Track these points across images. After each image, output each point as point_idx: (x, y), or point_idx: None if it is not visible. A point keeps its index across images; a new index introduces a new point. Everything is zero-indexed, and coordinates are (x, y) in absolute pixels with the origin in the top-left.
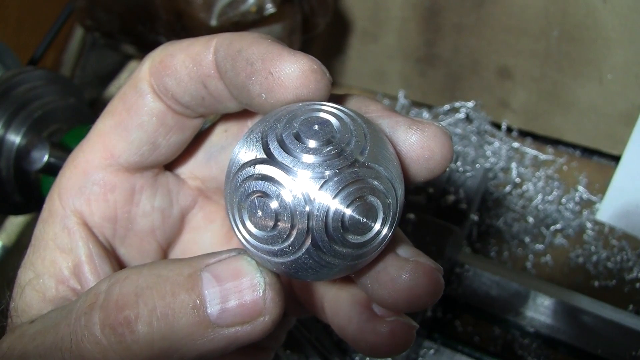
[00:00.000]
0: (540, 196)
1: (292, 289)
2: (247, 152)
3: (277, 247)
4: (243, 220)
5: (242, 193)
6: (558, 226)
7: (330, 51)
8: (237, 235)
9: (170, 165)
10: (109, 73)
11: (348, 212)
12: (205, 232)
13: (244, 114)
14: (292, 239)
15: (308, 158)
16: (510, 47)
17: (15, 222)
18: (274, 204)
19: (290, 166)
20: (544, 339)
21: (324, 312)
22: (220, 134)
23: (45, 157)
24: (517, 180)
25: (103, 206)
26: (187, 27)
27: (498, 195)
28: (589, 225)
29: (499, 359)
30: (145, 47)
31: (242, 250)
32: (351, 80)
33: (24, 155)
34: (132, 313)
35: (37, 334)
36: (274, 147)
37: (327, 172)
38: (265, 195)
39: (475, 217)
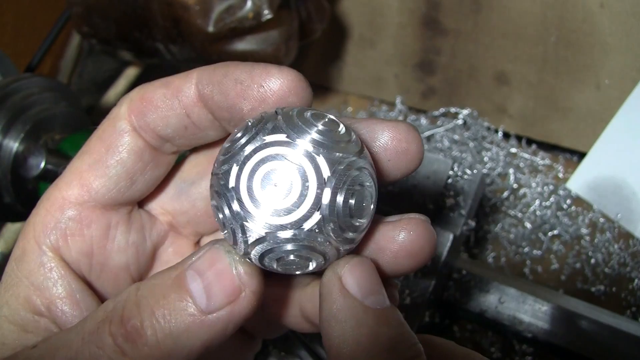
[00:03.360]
0: (537, 202)
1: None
2: (259, 131)
3: (289, 220)
4: (251, 192)
5: (257, 160)
6: (555, 232)
7: (328, 57)
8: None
9: (142, 202)
10: (106, 80)
11: (352, 200)
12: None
13: (214, 147)
14: (305, 212)
15: (322, 141)
16: (508, 52)
17: (12, 229)
18: (291, 178)
19: (300, 138)
20: (542, 344)
21: (304, 314)
22: (190, 169)
23: (42, 164)
24: (515, 186)
25: (80, 241)
26: (184, 33)
27: (495, 201)
28: (585, 231)
29: None
30: (142, 53)
31: (220, 240)
32: (348, 87)
33: (21, 162)
34: (137, 321)
35: (46, 354)
36: (292, 128)
37: (338, 156)
38: (282, 167)
39: (472, 223)
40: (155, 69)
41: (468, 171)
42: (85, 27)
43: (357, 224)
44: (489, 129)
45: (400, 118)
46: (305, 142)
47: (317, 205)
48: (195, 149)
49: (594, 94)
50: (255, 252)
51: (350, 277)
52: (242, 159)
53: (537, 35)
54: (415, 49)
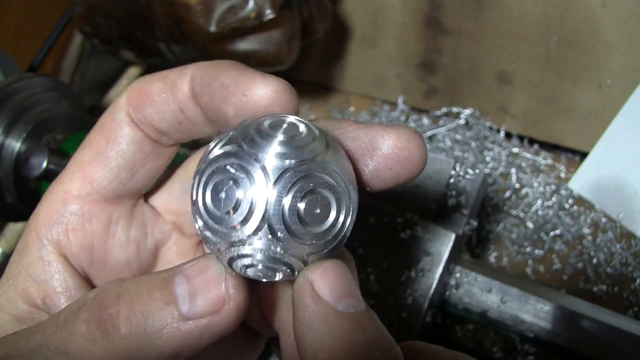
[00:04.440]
0: (539, 202)
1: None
2: (220, 141)
3: (235, 235)
4: (204, 198)
5: (209, 173)
6: (557, 232)
7: (330, 57)
8: (197, 213)
9: (147, 198)
10: (108, 79)
11: (302, 205)
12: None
13: None
14: (255, 224)
15: (274, 149)
16: (510, 52)
17: (14, 229)
18: (238, 189)
19: (255, 155)
20: (544, 344)
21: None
22: (194, 168)
23: (44, 164)
24: (517, 185)
25: (81, 236)
26: (186, 33)
27: (497, 201)
28: (587, 230)
29: None
30: (144, 53)
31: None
32: (350, 86)
33: (23, 162)
34: (114, 310)
35: (21, 339)
36: (244, 139)
37: (287, 163)
38: (230, 178)
39: (474, 222)
40: (157, 69)
41: (470, 171)
42: (88, 26)
43: (317, 231)
44: (491, 128)
45: (402, 118)
46: (264, 155)
47: (263, 215)
48: (200, 146)
49: (596, 94)
50: (225, 261)
51: (321, 281)
52: (200, 171)
53: (539, 35)
54: (418, 48)
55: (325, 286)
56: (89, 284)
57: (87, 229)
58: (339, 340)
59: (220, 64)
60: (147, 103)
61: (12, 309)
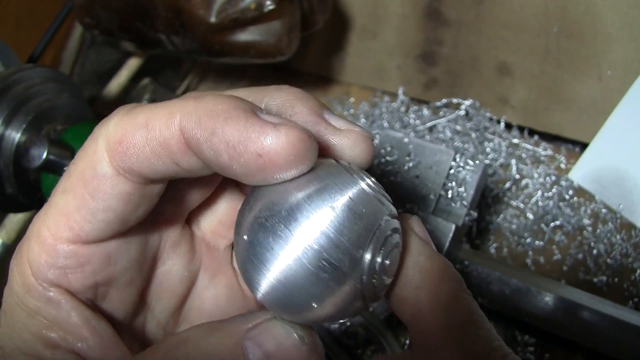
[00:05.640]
0: (539, 193)
1: None
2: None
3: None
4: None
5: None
6: (558, 222)
7: (330, 48)
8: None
9: None
10: (108, 70)
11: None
12: (175, 259)
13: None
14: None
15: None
16: (510, 43)
17: (14, 220)
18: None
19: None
20: (544, 335)
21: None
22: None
23: (45, 155)
24: (517, 176)
25: (81, 277)
26: (186, 24)
27: (497, 192)
28: (587, 221)
29: None
30: (144, 44)
31: (270, 312)
32: (350, 78)
33: (23, 153)
34: None
35: None
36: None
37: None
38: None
39: (474, 213)
40: (157, 60)
41: (470, 162)
42: (88, 18)
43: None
44: (491, 119)
45: (402, 109)
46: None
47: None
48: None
49: (596, 85)
50: None
51: (417, 227)
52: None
53: (539, 26)
54: (418, 40)
55: (420, 229)
56: (100, 312)
57: (87, 270)
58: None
59: (214, 111)
60: (131, 156)
61: (31, 351)
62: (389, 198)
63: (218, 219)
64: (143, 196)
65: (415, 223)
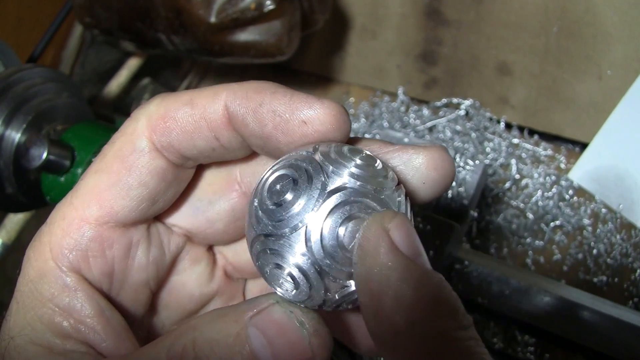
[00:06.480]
0: (539, 192)
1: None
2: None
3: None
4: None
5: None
6: (558, 222)
7: (330, 48)
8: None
9: (159, 215)
10: (108, 70)
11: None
12: (191, 274)
13: (232, 164)
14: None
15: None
16: (510, 43)
17: (14, 220)
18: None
19: (338, 174)
20: (544, 335)
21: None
22: (205, 188)
23: (45, 155)
24: (517, 176)
25: (101, 262)
26: (186, 24)
27: (497, 192)
28: (587, 221)
29: (499, 355)
30: (144, 44)
31: (274, 296)
32: (350, 77)
33: (23, 152)
34: None
35: None
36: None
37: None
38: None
39: (474, 213)
40: (157, 60)
41: (470, 162)
42: (88, 17)
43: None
44: (491, 119)
45: (402, 109)
46: (343, 177)
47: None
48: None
49: (596, 85)
50: (253, 249)
51: (398, 233)
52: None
53: (539, 25)
54: (418, 39)
55: (402, 238)
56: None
57: (108, 255)
58: (422, 297)
59: (261, 87)
60: (174, 130)
61: (42, 341)
62: (386, 175)
63: (244, 250)
64: (175, 177)
65: (396, 227)
